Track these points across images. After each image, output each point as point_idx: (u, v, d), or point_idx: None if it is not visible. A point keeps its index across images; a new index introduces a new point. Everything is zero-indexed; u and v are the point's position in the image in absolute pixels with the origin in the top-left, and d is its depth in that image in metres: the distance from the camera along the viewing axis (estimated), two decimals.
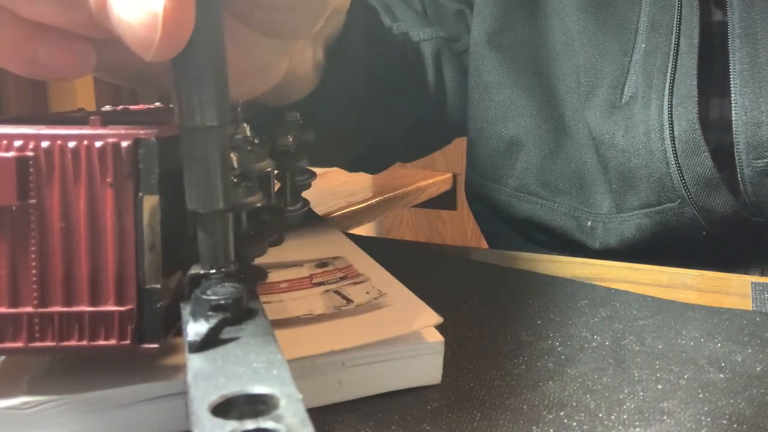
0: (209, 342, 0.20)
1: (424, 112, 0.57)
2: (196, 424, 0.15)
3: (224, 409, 0.16)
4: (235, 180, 0.25)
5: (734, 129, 0.44)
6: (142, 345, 0.22)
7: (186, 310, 0.21)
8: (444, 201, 1.53)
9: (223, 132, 0.21)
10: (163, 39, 0.20)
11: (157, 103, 0.39)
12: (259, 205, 0.24)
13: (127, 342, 0.22)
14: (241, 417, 0.15)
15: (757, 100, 0.43)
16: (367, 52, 0.47)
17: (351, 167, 0.63)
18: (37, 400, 0.23)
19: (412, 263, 0.43)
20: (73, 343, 0.22)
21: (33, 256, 0.22)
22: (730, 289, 0.39)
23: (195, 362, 0.19)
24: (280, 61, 0.33)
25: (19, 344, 0.22)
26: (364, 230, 1.29)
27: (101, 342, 0.22)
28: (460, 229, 1.64)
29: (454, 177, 1.51)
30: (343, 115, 0.47)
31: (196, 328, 0.20)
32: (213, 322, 0.20)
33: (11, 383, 0.24)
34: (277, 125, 0.39)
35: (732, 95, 0.44)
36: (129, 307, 0.22)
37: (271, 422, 0.15)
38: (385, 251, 0.40)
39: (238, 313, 0.21)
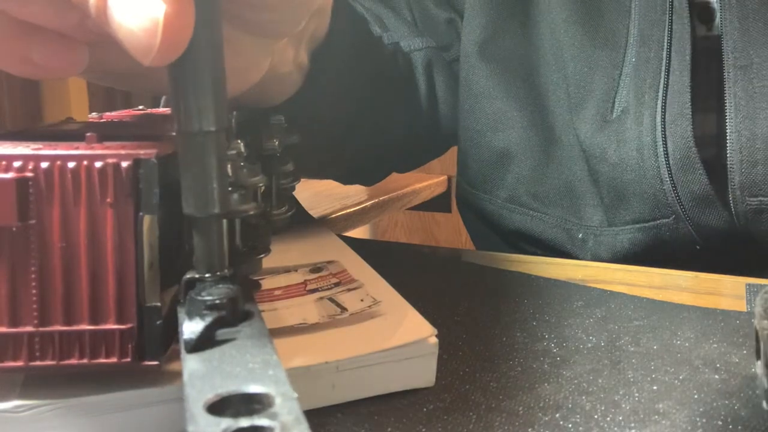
0: (205, 341, 0.20)
1: (416, 121, 0.57)
2: (191, 422, 0.15)
3: (220, 407, 0.16)
4: (230, 188, 0.25)
5: (729, 165, 0.44)
6: (142, 362, 0.23)
7: (182, 311, 0.21)
8: (439, 204, 1.53)
9: (220, 137, 0.21)
10: (162, 44, 0.20)
11: (140, 107, 0.39)
12: (253, 212, 0.24)
13: (128, 360, 0.22)
14: (236, 415, 0.15)
15: (753, 137, 0.43)
16: (354, 58, 0.47)
17: (345, 179, 0.62)
18: (31, 404, 0.23)
19: (407, 266, 0.44)
20: (73, 361, 0.22)
21: (33, 276, 0.22)
22: (724, 291, 0.39)
23: (191, 362, 0.19)
24: (261, 60, 0.33)
25: (20, 363, 0.22)
26: (358, 233, 1.29)
27: (102, 360, 0.22)
28: (455, 231, 1.64)
29: (449, 180, 1.51)
30: (330, 122, 0.47)
31: (191, 327, 0.20)
32: (208, 320, 0.20)
33: (5, 386, 0.24)
34: (263, 129, 0.38)
35: (727, 129, 0.44)
36: (129, 325, 0.22)
37: (266, 420, 0.15)
38: (379, 254, 0.40)
39: (234, 313, 0.21)
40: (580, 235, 0.50)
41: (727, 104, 0.44)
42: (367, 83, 0.51)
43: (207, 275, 0.22)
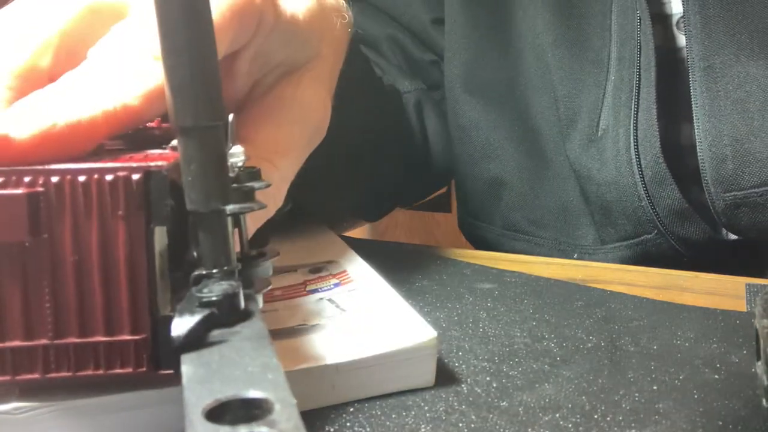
0: (194, 339, 0.20)
1: (411, 159, 0.58)
2: (189, 428, 0.15)
3: (218, 413, 0.16)
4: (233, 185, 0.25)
5: (700, 163, 0.44)
6: (158, 371, 0.23)
7: (178, 308, 0.21)
8: (439, 204, 1.53)
9: (218, 131, 0.21)
10: None
11: None
12: (256, 209, 0.24)
13: (143, 369, 0.22)
14: (235, 421, 0.15)
15: (720, 134, 0.44)
16: (360, 100, 0.47)
17: (348, 216, 0.63)
18: (30, 406, 0.23)
19: (407, 265, 0.43)
20: (89, 372, 0.22)
21: (47, 289, 0.22)
22: (724, 291, 0.39)
23: (190, 366, 0.19)
24: None
25: (36, 375, 0.22)
26: (358, 233, 1.28)
27: (117, 370, 0.22)
28: (455, 231, 1.64)
29: None
30: (334, 154, 0.47)
31: (179, 325, 0.20)
32: (198, 318, 0.20)
33: (4, 388, 0.24)
34: None
35: (695, 129, 0.45)
36: (143, 335, 0.22)
37: (264, 427, 0.15)
38: (379, 254, 0.40)
39: (230, 311, 0.21)
40: (575, 255, 0.51)
41: (693, 105, 0.45)
42: (369, 120, 0.51)
43: (214, 270, 0.22)
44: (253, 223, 0.28)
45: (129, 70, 0.25)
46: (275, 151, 0.31)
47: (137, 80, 0.25)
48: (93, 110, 0.23)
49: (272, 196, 0.31)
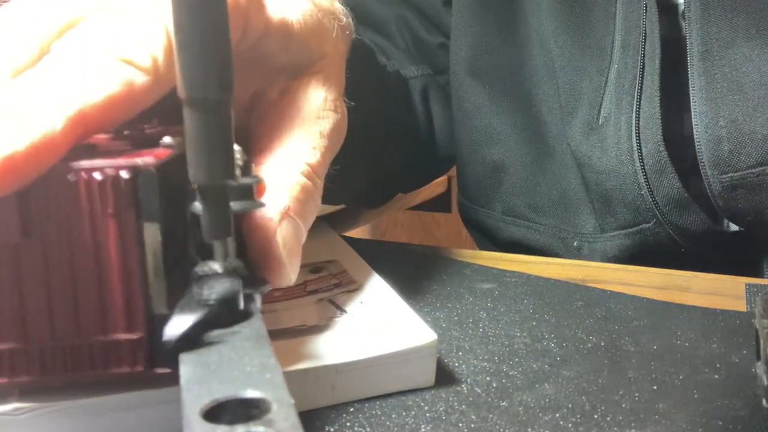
0: (188, 340, 0.20)
1: (416, 145, 0.58)
2: (187, 428, 0.15)
3: (216, 413, 0.16)
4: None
5: (696, 146, 0.44)
6: (155, 370, 0.23)
7: (178, 305, 0.21)
8: (439, 204, 1.53)
9: (225, 105, 0.21)
10: None
11: None
12: (258, 208, 0.24)
13: (140, 369, 0.22)
14: (233, 421, 0.15)
15: (716, 116, 0.44)
16: (364, 90, 0.47)
17: (349, 202, 0.63)
18: (30, 406, 0.23)
19: (407, 266, 0.43)
20: (86, 372, 0.22)
21: (41, 290, 0.22)
22: (724, 291, 0.39)
23: (188, 365, 0.19)
24: None
25: (33, 377, 0.22)
26: (358, 232, 1.28)
27: (114, 370, 0.22)
28: (455, 231, 1.64)
29: (449, 180, 1.51)
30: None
31: (175, 325, 0.20)
32: (194, 319, 0.20)
33: (4, 389, 0.24)
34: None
35: (692, 112, 0.45)
36: (139, 334, 0.22)
37: (261, 427, 0.15)
38: (379, 254, 0.40)
39: (229, 311, 0.21)
40: (575, 243, 0.51)
41: (690, 89, 0.45)
42: (373, 109, 0.51)
43: (218, 268, 0.22)
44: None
45: (90, 72, 0.24)
46: (304, 154, 0.31)
47: (97, 85, 0.24)
48: (51, 127, 0.22)
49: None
